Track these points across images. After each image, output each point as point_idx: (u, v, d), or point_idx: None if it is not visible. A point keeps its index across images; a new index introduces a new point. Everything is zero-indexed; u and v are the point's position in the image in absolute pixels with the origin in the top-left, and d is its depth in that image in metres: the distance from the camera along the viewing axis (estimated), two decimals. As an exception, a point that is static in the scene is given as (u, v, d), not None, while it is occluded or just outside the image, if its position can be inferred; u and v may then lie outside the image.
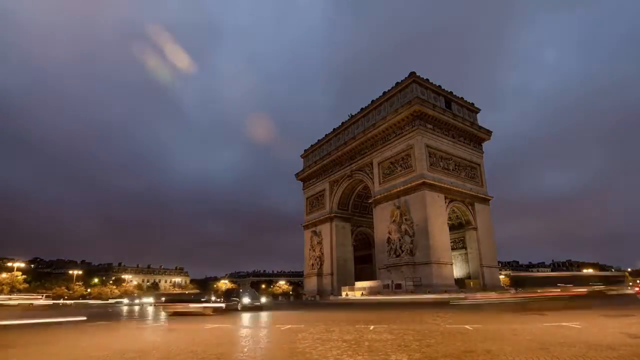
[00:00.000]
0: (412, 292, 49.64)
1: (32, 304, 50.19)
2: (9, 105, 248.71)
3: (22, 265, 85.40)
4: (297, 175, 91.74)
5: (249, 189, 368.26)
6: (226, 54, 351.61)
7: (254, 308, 33.33)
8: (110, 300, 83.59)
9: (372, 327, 13.58)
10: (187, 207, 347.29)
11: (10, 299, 51.94)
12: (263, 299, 42.17)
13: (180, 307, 25.28)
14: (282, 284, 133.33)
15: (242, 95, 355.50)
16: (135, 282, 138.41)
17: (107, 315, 30.53)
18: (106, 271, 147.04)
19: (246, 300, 33.35)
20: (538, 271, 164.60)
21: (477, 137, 66.37)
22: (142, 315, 29.71)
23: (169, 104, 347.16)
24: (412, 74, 61.07)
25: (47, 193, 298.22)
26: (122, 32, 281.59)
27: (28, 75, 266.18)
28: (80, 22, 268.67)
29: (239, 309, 31.45)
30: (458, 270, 61.00)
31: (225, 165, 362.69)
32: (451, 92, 65.30)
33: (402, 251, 55.38)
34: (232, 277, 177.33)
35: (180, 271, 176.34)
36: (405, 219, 55.94)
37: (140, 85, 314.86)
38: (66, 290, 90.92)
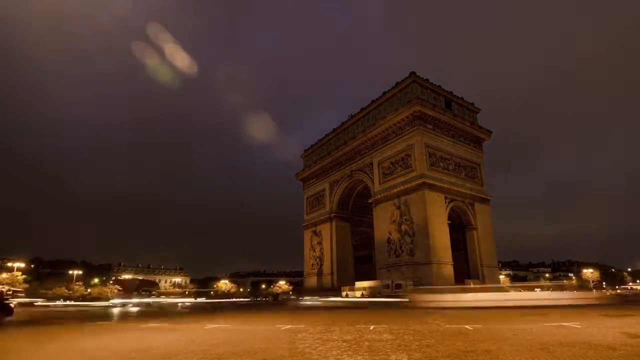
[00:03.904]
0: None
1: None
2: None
3: (22, 265, 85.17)
4: (297, 175, 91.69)
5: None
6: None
7: None
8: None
9: (372, 327, 13.57)
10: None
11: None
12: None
13: None
14: (282, 284, 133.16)
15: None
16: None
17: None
18: (106, 271, 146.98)
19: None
20: (538, 271, 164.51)
21: (477, 137, 66.34)
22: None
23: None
24: (412, 74, 61.00)
25: (46, 192, 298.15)
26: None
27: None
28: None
29: None
30: (458, 270, 60.94)
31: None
32: (451, 92, 65.26)
33: (402, 251, 55.37)
34: (233, 277, 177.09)
35: (180, 271, 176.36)
36: (405, 219, 55.92)
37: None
38: (66, 291, 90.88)
